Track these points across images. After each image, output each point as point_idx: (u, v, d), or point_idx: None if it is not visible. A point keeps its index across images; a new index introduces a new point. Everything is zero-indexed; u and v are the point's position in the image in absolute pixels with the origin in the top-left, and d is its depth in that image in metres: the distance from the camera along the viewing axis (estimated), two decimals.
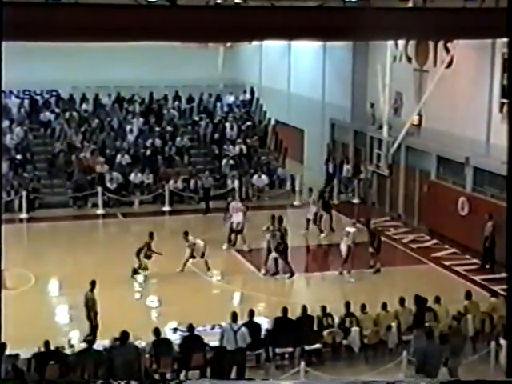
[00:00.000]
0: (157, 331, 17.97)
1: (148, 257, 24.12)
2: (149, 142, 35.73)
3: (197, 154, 36.54)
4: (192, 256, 24.45)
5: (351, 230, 24.85)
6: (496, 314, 19.70)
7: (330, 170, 34.81)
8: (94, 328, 19.54)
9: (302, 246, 27.43)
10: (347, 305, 19.54)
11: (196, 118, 39.12)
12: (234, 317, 18.29)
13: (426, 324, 18.86)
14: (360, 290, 23.16)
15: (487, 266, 25.03)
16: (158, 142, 35.95)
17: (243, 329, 17.99)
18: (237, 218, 26.94)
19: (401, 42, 30.45)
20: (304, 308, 19.27)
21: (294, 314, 19.29)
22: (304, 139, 39.67)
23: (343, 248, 24.49)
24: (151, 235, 24.32)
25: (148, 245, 24.15)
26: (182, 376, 17.71)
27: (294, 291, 23.39)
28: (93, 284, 19.92)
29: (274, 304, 21.34)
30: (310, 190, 29.95)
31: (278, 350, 18.97)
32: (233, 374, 17.76)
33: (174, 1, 19.57)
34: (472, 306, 20.00)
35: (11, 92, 39.12)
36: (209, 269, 24.24)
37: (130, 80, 39.57)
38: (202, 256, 24.38)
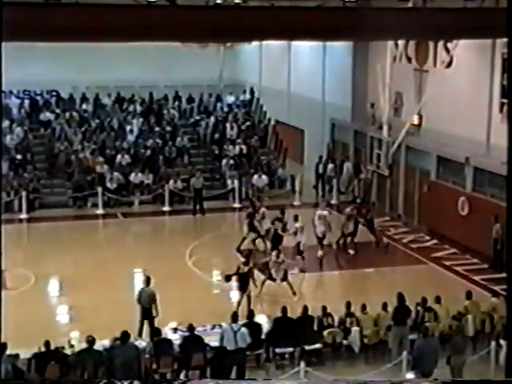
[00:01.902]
0: (157, 331, 17.98)
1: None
2: (149, 142, 35.74)
3: (197, 154, 36.54)
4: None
5: (324, 212, 25.41)
6: (496, 314, 19.71)
7: (320, 170, 34.96)
8: (153, 323, 19.53)
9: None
10: (347, 305, 19.55)
11: (197, 117, 39.14)
12: (235, 317, 18.31)
13: (426, 324, 18.92)
14: (360, 290, 23.17)
15: (497, 267, 24.85)
16: (158, 142, 35.97)
17: (243, 329, 17.99)
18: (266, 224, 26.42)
19: (401, 42, 30.43)
20: (305, 308, 19.28)
21: (295, 314, 19.30)
22: (304, 139, 39.67)
23: (319, 230, 25.33)
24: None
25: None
26: (182, 376, 17.72)
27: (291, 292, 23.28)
28: (148, 280, 19.92)
29: (274, 304, 21.34)
30: (356, 201, 29.84)
31: (278, 350, 18.99)
32: (233, 374, 17.76)
33: (173, 1, 19.57)
34: (472, 306, 20.00)
35: (11, 92, 39.13)
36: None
37: (130, 80, 39.59)
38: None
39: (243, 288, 21.33)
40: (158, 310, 19.74)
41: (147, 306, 19.69)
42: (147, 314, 19.64)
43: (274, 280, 22.47)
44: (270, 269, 22.52)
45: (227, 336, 17.87)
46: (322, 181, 34.58)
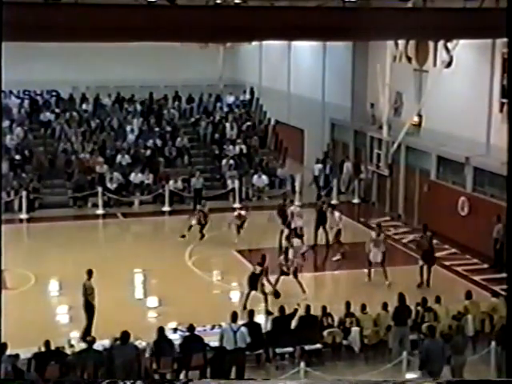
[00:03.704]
0: (160, 330, 17.93)
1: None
2: (149, 142, 35.75)
3: (197, 154, 36.55)
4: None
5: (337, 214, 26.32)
6: (496, 314, 19.71)
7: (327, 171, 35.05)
8: (90, 323, 19.50)
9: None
10: (347, 305, 19.55)
11: (197, 117, 39.14)
12: (234, 317, 18.31)
13: (427, 324, 18.92)
14: (360, 290, 23.16)
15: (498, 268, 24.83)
16: (158, 142, 35.97)
17: (243, 329, 18.00)
18: (298, 222, 26.41)
19: (401, 42, 30.42)
20: (307, 308, 19.28)
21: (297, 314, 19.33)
22: (304, 139, 39.69)
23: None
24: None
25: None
26: (182, 376, 17.72)
27: (295, 291, 23.33)
28: (90, 273, 19.89)
29: (274, 304, 21.33)
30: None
31: (278, 350, 18.99)
32: (233, 374, 17.76)
33: (173, 1, 19.56)
34: (472, 306, 20.00)
35: (11, 92, 39.17)
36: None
37: (130, 80, 39.59)
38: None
39: (252, 287, 21.48)
40: (95, 301, 19.77)
41: (85, 297, 19.73)
42: (88, 307, 19.68)
43: (287, 274, 22.47)
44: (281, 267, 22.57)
45: (227, 336, 17.87)
46: (321, 180, 34.58)
